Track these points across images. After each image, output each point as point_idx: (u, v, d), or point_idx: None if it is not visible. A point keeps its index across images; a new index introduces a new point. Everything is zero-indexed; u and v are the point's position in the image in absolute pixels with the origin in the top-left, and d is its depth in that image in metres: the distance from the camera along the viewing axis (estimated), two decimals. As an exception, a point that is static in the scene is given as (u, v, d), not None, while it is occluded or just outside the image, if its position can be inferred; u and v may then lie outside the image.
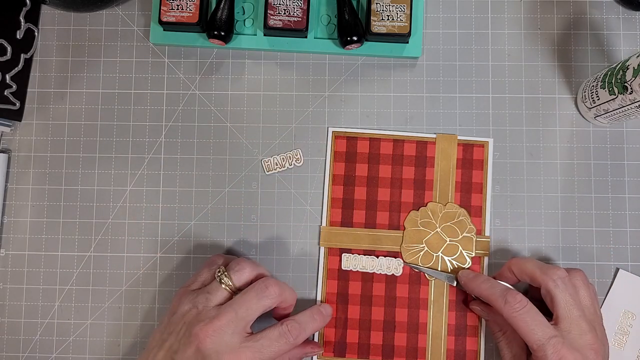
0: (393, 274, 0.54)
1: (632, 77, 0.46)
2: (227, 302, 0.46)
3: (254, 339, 0.45)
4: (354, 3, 0.55)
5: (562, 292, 0.46)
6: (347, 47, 0.54)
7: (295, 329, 0.47)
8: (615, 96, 0.49)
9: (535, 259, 0.52)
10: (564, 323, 0.46)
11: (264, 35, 0.55)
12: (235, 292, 0.47)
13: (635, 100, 0.47)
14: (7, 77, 0.55)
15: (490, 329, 0.52)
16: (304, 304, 0.54)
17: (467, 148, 0.55)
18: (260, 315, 0.46)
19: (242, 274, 0.48)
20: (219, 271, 0.47)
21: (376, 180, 0.55)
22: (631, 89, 0.46)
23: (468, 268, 0.54)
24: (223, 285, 0.47)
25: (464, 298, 0.54)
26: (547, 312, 0.47)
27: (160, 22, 0.53)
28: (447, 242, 0.54)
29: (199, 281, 0.49)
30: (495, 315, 0.50)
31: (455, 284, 0.53)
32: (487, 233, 0.54)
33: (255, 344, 0.45)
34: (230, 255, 0.52)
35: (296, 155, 0.55)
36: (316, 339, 0.53)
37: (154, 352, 0.46)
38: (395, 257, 0.54)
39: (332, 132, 0.55)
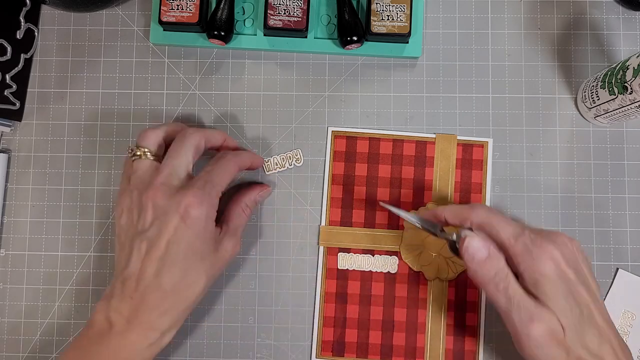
0: (389, 271, 0.54)
1: (632, 77, 0.46)
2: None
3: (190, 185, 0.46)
4: (354, 3, 0.55)
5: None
6: (347, 47, 0.54)
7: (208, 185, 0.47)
8: (615, 96, 0.49)
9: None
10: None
11: (264, 35, 0.55)
12: (160, 158, 0.48)
13: (635, 100, 0.47)
14: (7, 77, 0.55)
15: (487, 273, 0.44)
16: (303, 304, 0.54)
17: (467, 148, 0.55)
18: (195, 158, 0.48)
19: (148, 137, 0.49)
20: (129, 152, 0.49)
21: (375, 180, 0.55)
22: (631, 89, 0.46)
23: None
24: (141, 156, 0.48)
25: (464, 298, 0.54)
26: None
27: (160, 22, 0.53)
28: (447, 242, 0.54)
29: (123, 183, 0.49)
30: (496, 249, 0.45)
31: (439, 232, 0.48)
32: (486, 233, 0.54)
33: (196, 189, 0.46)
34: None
35: (296, 155, 0.55)
36: (315, 338, 0.53)
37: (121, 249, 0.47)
38: (391, 256, 0.54)
39: (332, 131, 0.55)
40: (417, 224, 0.48)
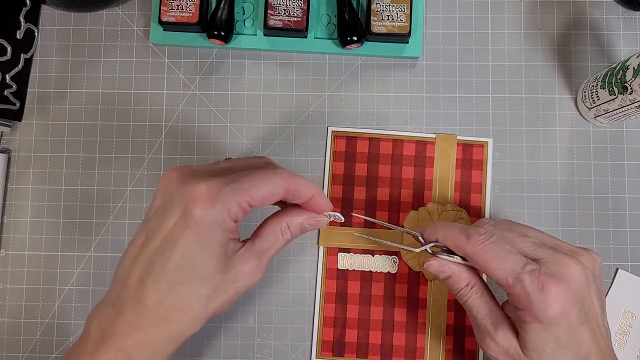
0: (389, 271, 0.54)
1: (632, 77, 0.46)
2: None
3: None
4: (354, 3, 0.55)
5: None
6: (347, 47, 0.54)
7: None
8: (615, 96, 0.49)
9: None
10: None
11: (264, 35, 0.55)
12: None
13: (635, 100, 0.47)
14: (7, 77, 0.55)
15: (453, 289, 0.44)
16: (303, 304, 0.54)
17: (467, 148, 0.55)
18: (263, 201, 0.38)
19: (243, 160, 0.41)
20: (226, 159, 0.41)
21: (375, 180, 0.55)
22: (631, 89, 0.46)
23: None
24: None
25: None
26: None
27: (160, 22, 0.53)
28: (447, 242, 0.54)
29: None
30: (459, 268, 0.44)
31: (419, 237, 0.46)
32: (486, 233, 0.54)
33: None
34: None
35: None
36: (315, 338, 0.53)
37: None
38: (391, 256, 0.54)
39: (332, 131, 0.55)
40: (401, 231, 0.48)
